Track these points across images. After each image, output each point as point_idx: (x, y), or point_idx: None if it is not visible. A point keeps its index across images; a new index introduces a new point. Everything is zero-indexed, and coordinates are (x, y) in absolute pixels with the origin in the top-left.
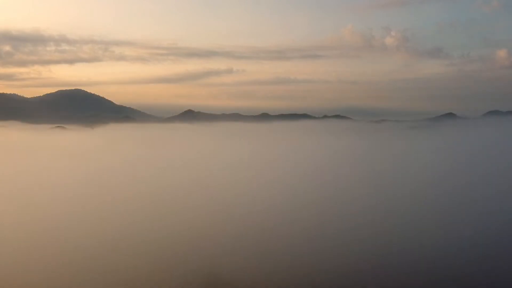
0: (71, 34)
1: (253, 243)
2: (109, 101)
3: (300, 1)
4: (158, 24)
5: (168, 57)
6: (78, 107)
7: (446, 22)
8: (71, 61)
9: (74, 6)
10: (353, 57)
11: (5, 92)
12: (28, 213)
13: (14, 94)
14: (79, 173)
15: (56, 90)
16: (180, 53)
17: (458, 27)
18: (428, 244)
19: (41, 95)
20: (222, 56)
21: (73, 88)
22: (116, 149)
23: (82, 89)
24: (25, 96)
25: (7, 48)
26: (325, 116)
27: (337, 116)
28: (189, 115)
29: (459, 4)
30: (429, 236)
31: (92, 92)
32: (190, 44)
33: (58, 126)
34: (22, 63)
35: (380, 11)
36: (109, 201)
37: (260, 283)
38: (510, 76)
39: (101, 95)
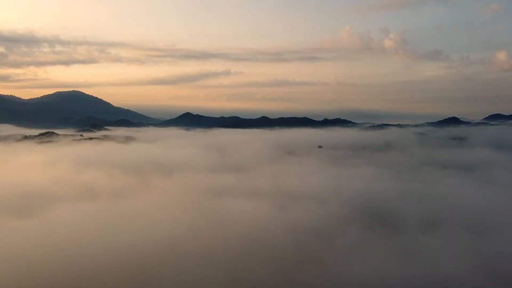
0: (64, 35)
1: None
2: (107, 103)
3: (298, 3)
4: (154, 26)
5: (165, 58)
6: (76, 109)
7: (446, 24)
8: (67, 62)
9: (67, 7)
10: (352, 59)
11: (2, 93)
12: None
13: (11, 96)
14: None
15: (53, 92)
16: (177, 54)
17: (458, 29)
18: None
19: (39, 96)
20: (219, 58)
21: (70, 89)
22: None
23: (80, 90)
24: (22, 97)
25: (1, 49)
26: (325, 120)
27: (338, 120)
28: (188, 118)
29: (458, 6)
30: None
31: (90, 94)
32: (187, 46)
33: (48, 132)
34: (17, 64)
35: (378, 13)
36: None
37: None
38: (510, 78)
39: (99, 97)
